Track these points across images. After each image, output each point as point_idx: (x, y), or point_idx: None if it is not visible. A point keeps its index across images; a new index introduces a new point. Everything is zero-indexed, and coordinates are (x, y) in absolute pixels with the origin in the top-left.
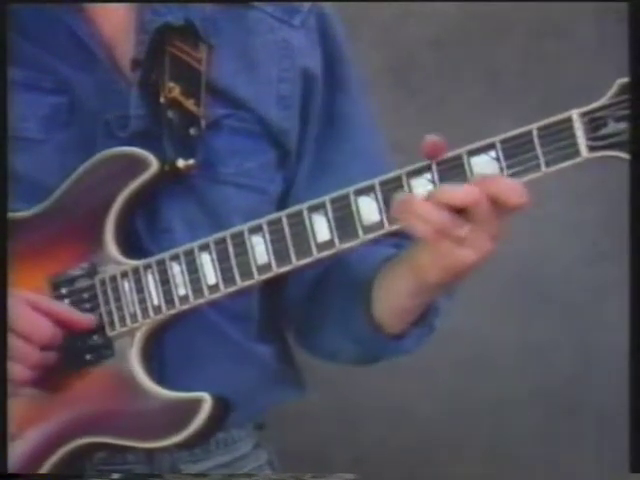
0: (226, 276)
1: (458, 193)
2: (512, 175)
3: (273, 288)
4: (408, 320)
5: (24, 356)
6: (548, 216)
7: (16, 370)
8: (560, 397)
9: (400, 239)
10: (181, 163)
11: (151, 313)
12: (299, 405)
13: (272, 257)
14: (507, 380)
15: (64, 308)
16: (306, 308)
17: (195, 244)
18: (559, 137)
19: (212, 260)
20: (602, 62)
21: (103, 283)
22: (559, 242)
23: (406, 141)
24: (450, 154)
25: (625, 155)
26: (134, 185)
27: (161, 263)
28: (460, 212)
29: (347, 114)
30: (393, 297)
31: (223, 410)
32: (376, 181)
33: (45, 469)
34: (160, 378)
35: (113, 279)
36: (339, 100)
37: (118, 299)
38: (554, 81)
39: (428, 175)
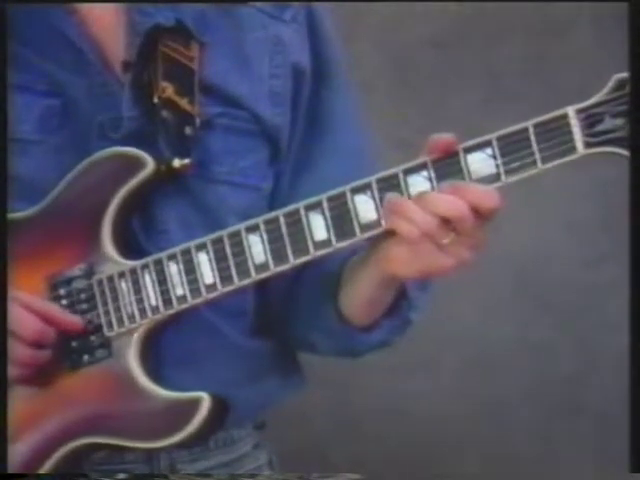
0: (223, 275)
1: (445, 204)
2: (509, 172)
3: (267, 282)
4: (377, 312)
5: (12, 353)
6: (548, 216)
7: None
8: (560, 397)
9: None
10: (177, 163)
11: (149, 313)
12: (299, 405)
13: (269, 256)
14: (507, 380)
15: (54, 308)
16: (285, 303)
17: (192, 243)
18: (555, 134)
19: (209, 260)
20: (602, 62)
21: (100, 284)
22: (559, 242)
23: (405, 141)
24: None
25: (621, 151)
26: (130, 185)
27: (158, 263)
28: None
29: (331, 111)
30: (359, 287)
31: (222, 410)
32: (372, 179)
33: (44, 470)
34: (157, 377)
35: (110, 279)
36: (324, 96)
37: (116, 300)
38: (554, 81)
39: (425, 172)
